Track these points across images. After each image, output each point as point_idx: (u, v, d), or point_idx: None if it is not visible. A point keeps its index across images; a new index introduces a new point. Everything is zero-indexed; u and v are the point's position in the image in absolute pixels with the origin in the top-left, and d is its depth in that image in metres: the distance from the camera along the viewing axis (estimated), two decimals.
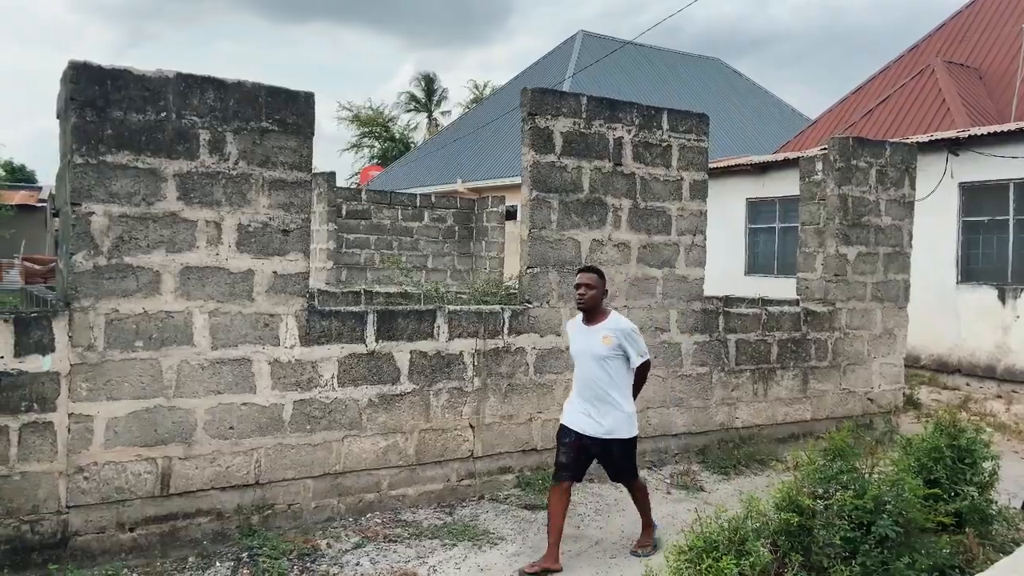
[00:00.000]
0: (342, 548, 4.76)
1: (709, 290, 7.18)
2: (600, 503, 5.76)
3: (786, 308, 7.51)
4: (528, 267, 6.01)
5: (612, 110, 6.30)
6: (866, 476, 4.07)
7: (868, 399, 7.95)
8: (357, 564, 4.52)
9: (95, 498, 4.42)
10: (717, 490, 6.16)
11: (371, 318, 5.27)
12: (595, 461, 4.79)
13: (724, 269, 12.96)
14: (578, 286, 4.70)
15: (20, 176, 28.80)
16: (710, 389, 6.87)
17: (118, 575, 4.30)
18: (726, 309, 7.06)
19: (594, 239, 6.24)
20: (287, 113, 4.94)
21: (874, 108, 17.23)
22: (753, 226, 14.18)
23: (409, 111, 44.39)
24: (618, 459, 4.73)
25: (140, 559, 4.51)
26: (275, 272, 4.89)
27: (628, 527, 5.29)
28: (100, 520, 4.46)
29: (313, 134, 5.06)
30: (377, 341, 5.28)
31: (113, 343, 4.44)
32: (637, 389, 4.84)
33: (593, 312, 4.70)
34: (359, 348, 5.21)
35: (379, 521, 5.18)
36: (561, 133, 6.06)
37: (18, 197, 21.18)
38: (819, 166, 8.31)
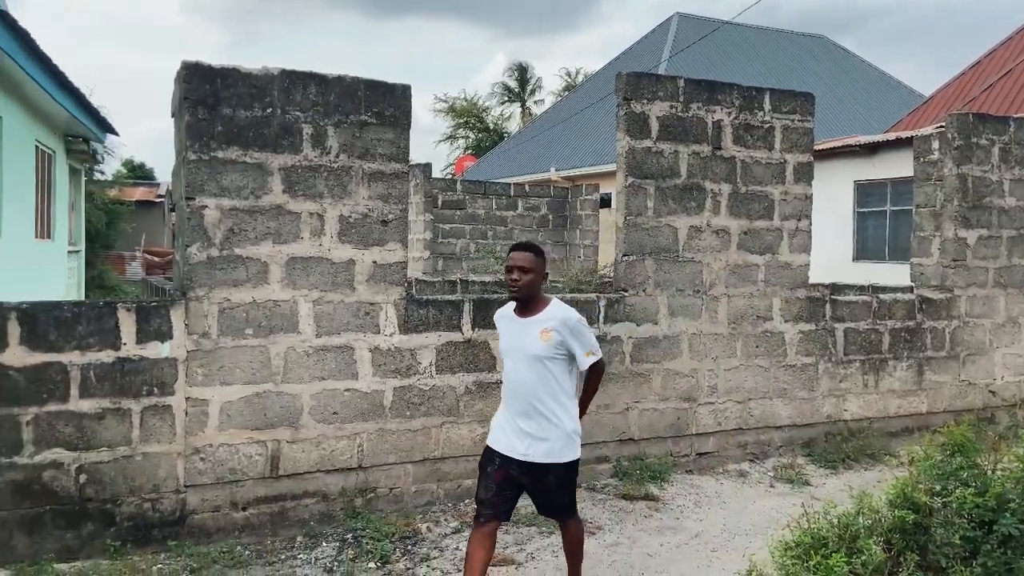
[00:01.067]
0: (442, 532, 4.84)
1: (815, 277, 6.90)
2: (700, 495, 5.64)
3: (899, 296, 7.12)
4: (624, 255, 5.92)
5: (711, 92, 6.12)
6: (988, 473, 3.81)
7: (990, 391, 7.46)
8: (456, 548, 4.59)
9: (210, 478, 4.65)
10: (824, 484, 5.92)
11: (467, 307, 5.32)
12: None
13: (831, 256, 12.44)
14: (510, 269, 3.64)
15: (140, 174, 30.63)
16: (816, 380, 6.60)
17: (232, 552, 4.52)
18: (833, 297, 6.76)
19: (692, 225, 6.09)
20: (385, 106, 5.04)
21: (995, 82, 16.10)
22: (862, 210, 13.54)
23: (504, 102, 44.63)
24: (554, 489, 3.67)
25: (252, 537, 4.73)
26: (375, 262, 5.01)
27: (730, 520, 5.16)
28: (215, 499, 4.69)
29: (410, 126, 5.14)
30: (473, 329, 5.33)
31: (225, 331, 4.66)
32: (588, 398, 3.89)
33: (530, 301, 3.67)
34: (456, 336, 5.27)
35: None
36: (657, 117, 5.93)
37: (138, 193, 22.54)
38: (935, 145, 7.81)
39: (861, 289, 8.42)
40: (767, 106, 6.35)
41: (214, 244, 4.64)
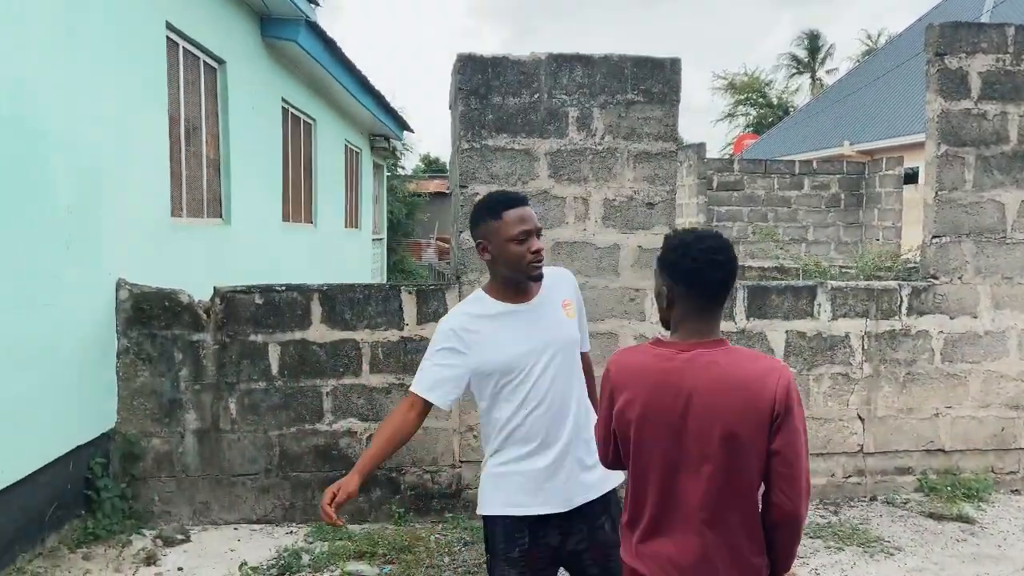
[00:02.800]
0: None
1: None
2: None
3: None
4: (934, 236, 5.09)
5: None
6: None
7: None
8: None
9: (479, 457, 4.80)
10: None
11: (741, 294, 4.92)
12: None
13: None
14: (526, 234, 2.42)
15: (435, 168, 33.38)
16: None
17: None
18: None
19: None
20: (652, 82, 4.80)
21: None
22: None
23: (793, 74, 41.69)
24: (611, 538, 2.45)
25: None
26: (640, 246, 4.81)
27: None
28: None
29: (679, 102, 4.85)
30: (748, 318, 4.92)
31: None
32: (592, 396, 2.66)
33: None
34: (728, 326, 4.90)
35: None
36: (979, 73, 5.00)
37: (433, 185, 24.55)
38: None
39: None
40: None
41: None
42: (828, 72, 40.26)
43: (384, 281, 15.81)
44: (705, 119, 77.48)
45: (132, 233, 4.82)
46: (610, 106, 4.78)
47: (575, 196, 4.80)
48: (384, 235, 16.89)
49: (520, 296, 2.50)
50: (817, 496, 5.02)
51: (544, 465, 2.44)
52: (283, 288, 4.62)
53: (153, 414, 4.55)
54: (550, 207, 4.79)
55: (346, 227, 12.16)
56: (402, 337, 4.72)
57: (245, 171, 6.98)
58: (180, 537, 4.41)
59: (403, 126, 14.67)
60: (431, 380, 2.48)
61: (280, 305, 4.61)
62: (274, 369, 4.61)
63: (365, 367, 4.70)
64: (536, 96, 4.73)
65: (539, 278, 2.48)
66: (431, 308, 4.74)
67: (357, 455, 4.68)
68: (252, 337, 4.59)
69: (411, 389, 2.52)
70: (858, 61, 35.47)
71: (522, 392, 2.44)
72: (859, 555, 4.22)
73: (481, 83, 4.70)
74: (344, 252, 11.85)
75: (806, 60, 41.16)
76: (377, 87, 11.03)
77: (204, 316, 4.55)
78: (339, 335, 4.67)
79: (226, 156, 6.68)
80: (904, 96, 20.33)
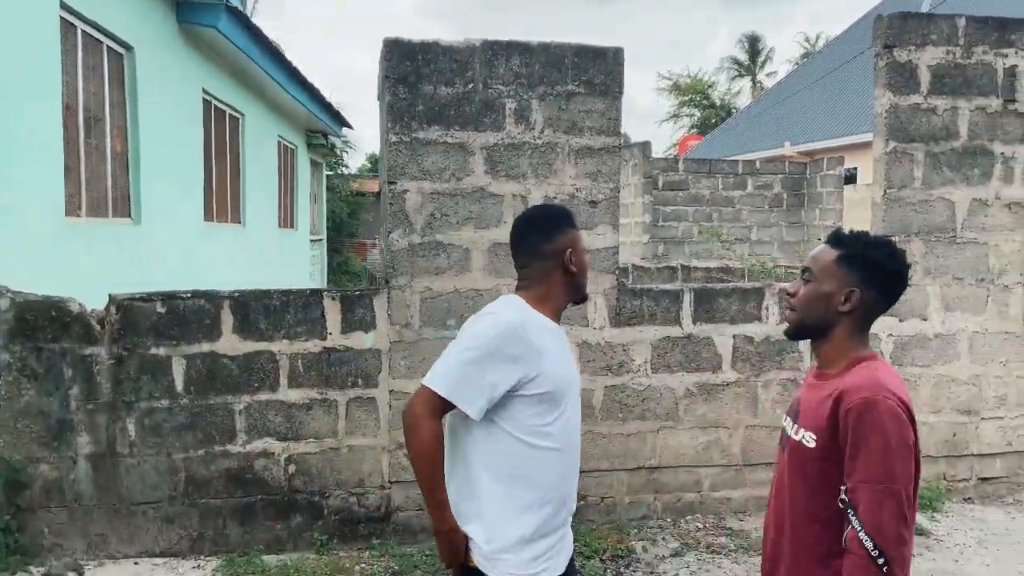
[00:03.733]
0: (659, 554, 4.26)
1: None
2: (984, 531, 4.54)
3: None
4: (883, 236, 4.91)
5: (1001, 31, 4.89)
6: None
7: None
8: None
9: (414, 475, 4.44)
10: None
11: (687, 297, 4.66)
12: None
13: None
14: (569, 245, 2.20)
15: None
16: None
17: (435, 555, 4.27)
18: None
19: (974, 198, 4.92)
20: (594, 73, 4.50)
21: None
22: None
23: (734, 77, 42.22)
24: None
25: None
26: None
27: None
28: (419, 497, 4.47)
29: (622, 94, 4.56)
30: (694, 323, 4.66)
31: (427, 321, 4.41)
32: None
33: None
34: (674, 331, 4.64)
35: (700, 526, 4.60)
36: (928, 66, 4.83)
37: (377, 185, 24.01)
38: None
39: None
40: None
41: (415, 230, 4.39)
42: (768, 75, 40.90)
43: (324, 283, 15.26)
44: (651, 120, 78.25)
45: (16, 235, 4.31)
46: (550, 98, 4.46)
47: (514, 193, 4.46)
48: (324, 236, 16.32)
49: (557, 318, 2.20)
50: (765, 507, 4.79)
51: (553, 529, 2.16)
52: (188, 295, 4.18)
53: (40, 437, 4.05)
54: (487, 205, 4.45)
55: (280, 227, 11.62)
56: (325, 348, 4.32)
57: (159, 166, 6.46)
58: (72, 573, 3.94)
59: (342, 122, 14.16)
60: (473, 387, 1.99)
61: (185, 314, 4.16)
62: (179, 385, 4.16)
63: (283, 381, 4.28)
64: (471, 86, 4.38)
65: (583, 286, 2.27)
66: (357, 316, 4.35)
67: (274, 478, 4.27)
68: (153, 350, 4.13)
69: (439, 392, 1.99)
70: (797, 64, 36.08)
71: (557, 427, 2.08)
72: None
73: (410, 71, 4.33)
74: (279, 253, 11.31)
75: (747, 63, 41.73)
76: (315, 82, 10.56)
77: (98, 327, 4.07)
78: (253, 346, 4.24)
79: (135, 150, 6.16)
80: (843, 97, 20.62)
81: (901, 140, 4.85)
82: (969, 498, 5.00)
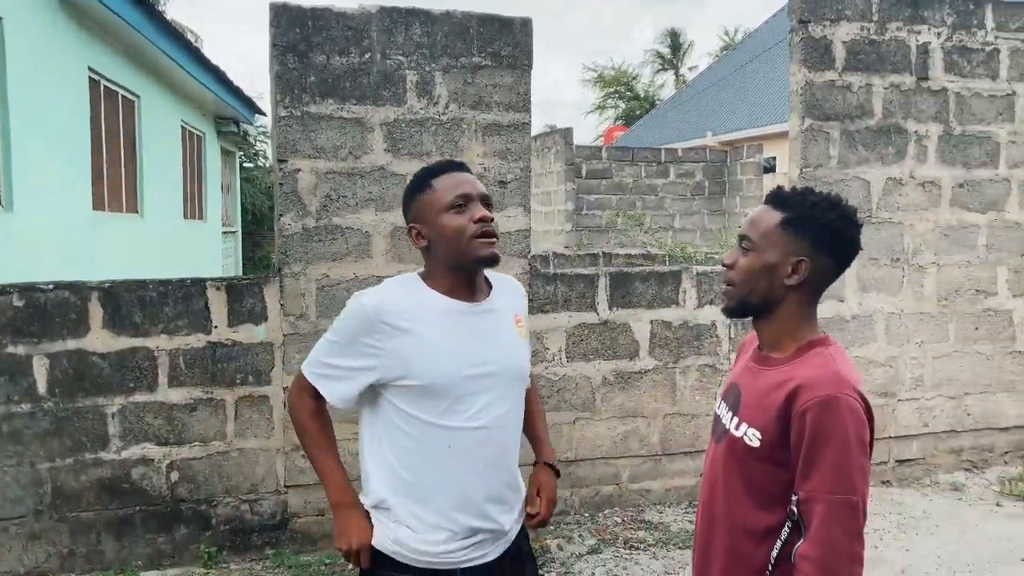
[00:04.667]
0: (575, 552, 4.04)
1: None
2: (903, 515, 4.49)
3: None
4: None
5: (914, 8, 4.84)
6: None
7: None
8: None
9: (313, 478, 4.10)
10: None
11: (603, 282, 4.45)
12: None
13: None
14: (464, 199, 1.82)
15: None
16: None
17: (336, 563, 3.95)
18: None
19: (889, 177, 4.87)
20: (501, 44, 4.23)
21: None
22: None
23: (658, 71, 42.68)
24: None
25: None
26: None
27: (946, 550, 4.01)
28: (319, 502, 4.14)
29: (531, 67, 4.31)
30: (611, 309, 4.46)
31: (325, 312, 4.07)
32: (538, 427, 2.19)
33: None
34: (590, 317, 4.42)
35: (618, 520, 4.41)
36: (843, 43, 4.74)
37: None
38: None
39: None
40: (989, 23, 4.97)
41: (310, 213, 4.05)
42: (690, 69, 41.51)
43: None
44: (577, 112, 78.66)
45: None
46: (454, 70, 4.17)
47: None
48: (238, 227, 15.62)
49: (468, 292, 1.87)
50: (685, 497, 4.65)
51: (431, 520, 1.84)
52: (50, 286, 3.73)
53: None
54: (388, 186, 4.13)
55: (187, 218, 10.98)
56: (210, 343, 3.94)
57: (36, 148, 5.90)
58: None
59: (255, 110, 13.53)
60: (330, 372, 1.89)
61: (47, 308, 3.71)
62: (41, 387, 3.71)
63: (163, 380, 3.88)
64: (367, 56, 4.05)
65: (492, 261, 1.82)
66: (246, 307, 3.98)
67: (154, 487, 3.87)
68: (11, 348, 3.67)
69: (304, 373, 1.94)
70: (717, 56, 36.71)
71: (450, 427, 1.81)
72: None
73: (300, 39, 3.97)
74: (185, 246, 10.67)
75: (669, 57, 42.25)
76: (237, 73, 9.97)
77: None
78: (128, 343, 3.83)
79: (5, 129, 5.59)
80: (761, 88, 20.96)
81: (817, 118, 4.75)
82: (887, 481, 4.96)
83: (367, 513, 1.87)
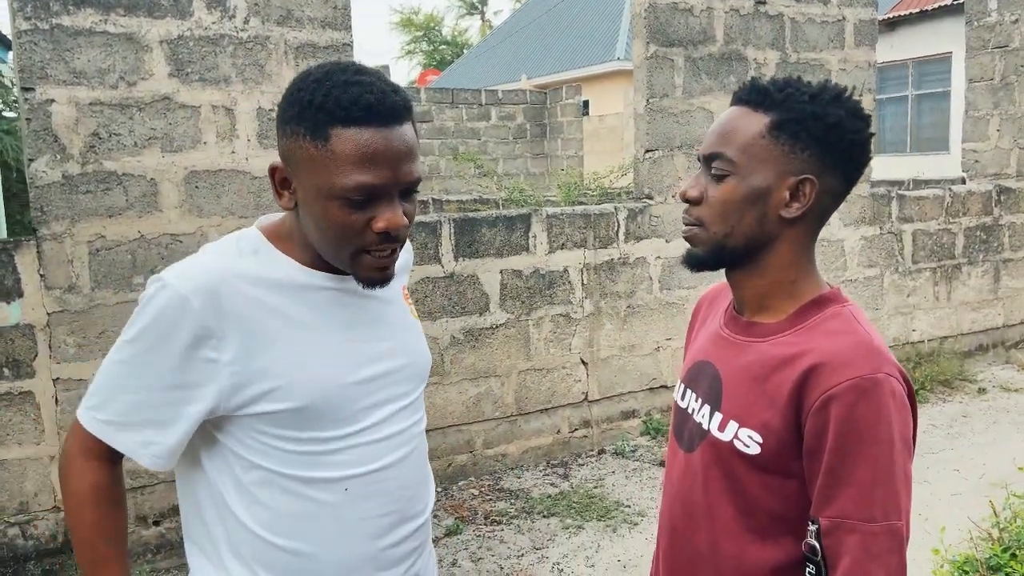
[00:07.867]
0: (432, 535, 3.57)
1: None
2: None
3: (974, 187, 5.83)
4: (647, 150, 4.53)
5: None
6: None
7: None
8: (454, 565, 3.33)
9: None
10: None
11: (447, 229, 3.93)
12: None
13: None
14: (369, 193, 1.08)
15: None
16: (881, 296, 5.37)
17: None
18: (900, 193, 5.46)
19: None
20: None
21: None
22: (879, 96, 12.16)
23: (463, 16, 41.88)
24: None
25: (171, 559, 3.43)
26: None
27: None
28: None
29: None
30: (456, 259, 3.96)
31: (103, 282, 3.24)
32: None
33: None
34: (434, 270, 3.90)
35: (475, 492, 3.99)
36: None
37: None
38: (993, 4, 6.47)
39: (922, 183, 7.15)
40: None
41: (72, 156, 3.16)
42: (495, 14, 41.19)
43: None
44: (385, 58, 76.13)
45: None
46: None
47: (214, 104, 3.38)
48: None
49: (342, 263, 1.17)
50: (544, 458, 4.33)
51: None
52: None
53: None
54: (177, 120, 3.32)
55: None
56: None
57: None
58: None
59: (7, 45, 11.45)
60: (134, 413, 1.13)
61: None
62: None
63: None
64: None
65: (381, 284, 1.17)
66: None
67: None
68: None
69: (83, 422, 1.16)
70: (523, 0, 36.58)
71: (343, 461, 1.18)
72: (602, 532, 3.55)
73: None
74: None
75: (474, 1, 41.59)
76: None
77: None
78: None
79: None
80: (573, 30, 20.97)
81: (662, 44, 4.45)
82: None
83: None
